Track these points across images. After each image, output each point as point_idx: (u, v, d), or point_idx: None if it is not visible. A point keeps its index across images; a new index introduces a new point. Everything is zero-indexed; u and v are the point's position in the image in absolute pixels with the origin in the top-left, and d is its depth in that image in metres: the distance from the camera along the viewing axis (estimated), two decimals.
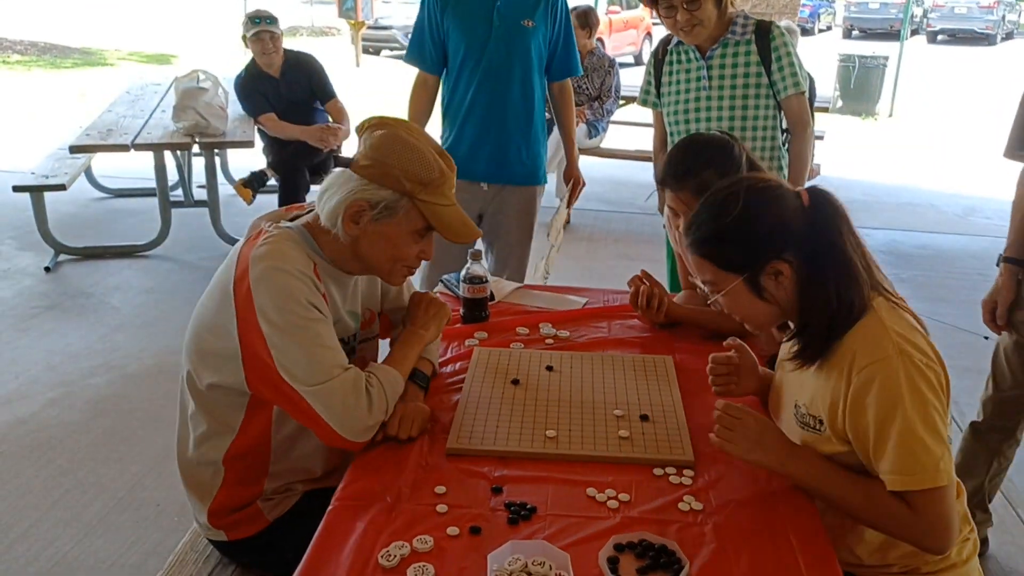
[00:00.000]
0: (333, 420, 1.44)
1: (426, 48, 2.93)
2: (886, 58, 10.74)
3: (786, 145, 2.71)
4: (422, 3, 2.94)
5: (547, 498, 1.37)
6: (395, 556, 1.22)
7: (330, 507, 1.34)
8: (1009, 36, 23.21)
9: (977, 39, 21.53)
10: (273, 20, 4.70)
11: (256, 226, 1.57)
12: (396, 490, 1.38)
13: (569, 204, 3.24)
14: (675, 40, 2.67)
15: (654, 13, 2.59)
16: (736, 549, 1.26)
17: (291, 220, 1.60)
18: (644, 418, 1.62)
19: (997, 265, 2.24)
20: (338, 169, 1.53)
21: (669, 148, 2.77)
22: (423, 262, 1.64)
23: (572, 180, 3.21)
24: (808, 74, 2.78)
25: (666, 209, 2.04)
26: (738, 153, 1.96)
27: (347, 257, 1.56)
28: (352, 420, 1.45)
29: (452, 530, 1.28)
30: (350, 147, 5.17)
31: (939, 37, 22.11)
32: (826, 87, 9.86)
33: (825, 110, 6.94)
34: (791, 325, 1.44)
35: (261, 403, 1.53)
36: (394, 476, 1.42)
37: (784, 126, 2.68)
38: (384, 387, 1.52)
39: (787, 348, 1.50)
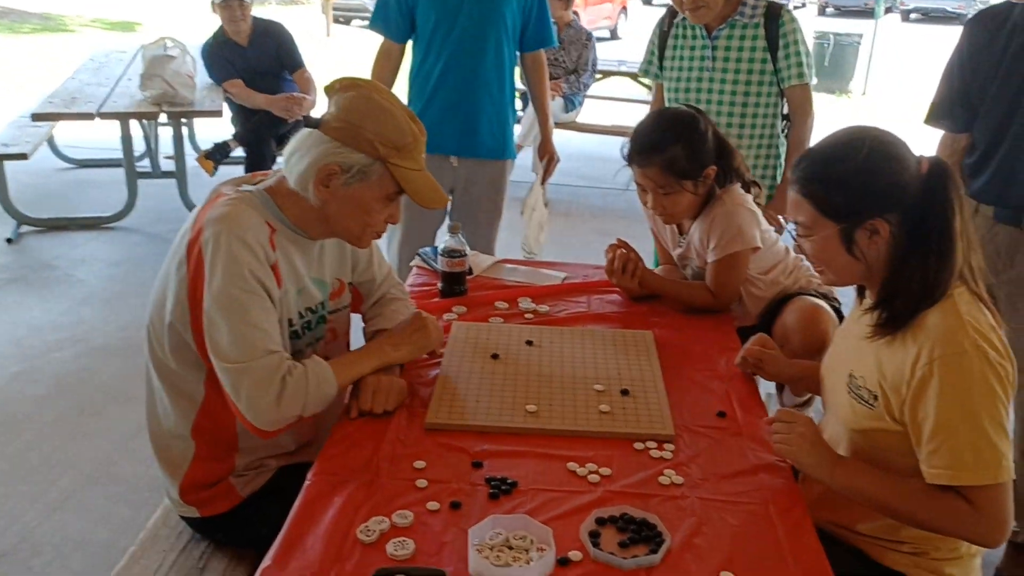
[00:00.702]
0: (240, 402, 1.40)
1: (391, 15, 2.85)
2: (860, 36, 10.78)
3: (785, 132, 2.68)
4: None
5: (528, 473, 1.36)
6: (374, 531, 1.20)
7: (307, 482, 1.32)
8: None
9: (949, 18, 21.68)
10: None
11: (216, 191, 1.53)
12: (375, 465, 1.37)
13: (543, 180, 3.20)
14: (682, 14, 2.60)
15: None
16: (716, 522, 1.26)
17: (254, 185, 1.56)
18: (625, 393, 1.61)
19: None
20: (307, 130, 1.49)
21: None
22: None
23: (547, 156, 3.17)
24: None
25: (636, 186, 2.02)
26: (704, 128, 1.95)
27: (313, 220, 1.53)
28: (257, 407, 1.40)
29: (432, 505, 1.27)
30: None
31: (912, 16, 22.26)
32: None
33: None
34: (866, 292, 1.42)
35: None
36: (372, 451, 1.40)
37: (785, 112, 2.65)
38: (308, 383, 1.44)
39: (857, 314, 1.48)
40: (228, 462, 1.58)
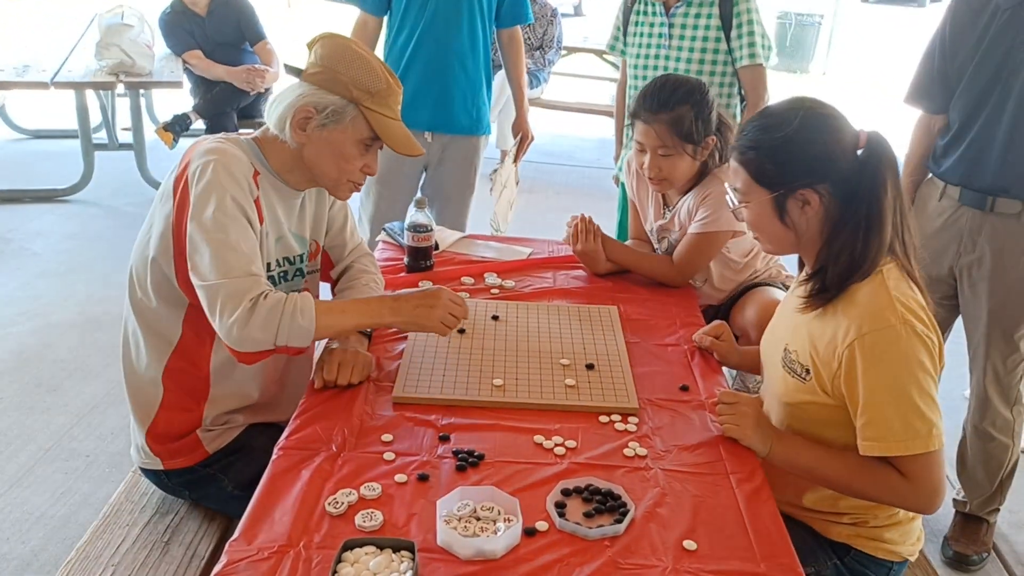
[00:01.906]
0: (214, 319, 1.42)
1: None
2: (821, 16, 10.88)
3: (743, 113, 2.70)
4: None
5: (495, 445, 1.38)
6: (342, 503, 1.21)
7: (274, 455, 1.32)
8: None
9: (907, 0, 21.96)
10: None
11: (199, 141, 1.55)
12: (342, 438, 1.37)
13: (516, 159, 3.20)
14: None
15: None
16: (679, 492, 1.29)
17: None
18: (590, 367, 1.63)
19: None
20: (290, 80, 1.54)
21: (628, 100, 2.75)
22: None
23: (520, 133, 3.16)
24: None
25: (632, 145, 2.03)
26: (712, 97, 1.97)
27: (293, 167, 1.57)
28: (229, 325, 1.39)
29: (400, 477, 1.28)
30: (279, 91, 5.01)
31: None
32: None
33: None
34: (802, 262, 1.46)
35: (198, 315, 1.48)
36: (340, 424, 1.41)
37: (743, 93, 2.67)
38: (284, 310, 1.42)
39: (794, 287, 1.51)
40: (196, 413, 1.60)
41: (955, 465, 2.38)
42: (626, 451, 1.38)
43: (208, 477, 1.60)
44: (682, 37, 2.56)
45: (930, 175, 2.26)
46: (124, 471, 1.69)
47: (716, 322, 1.79)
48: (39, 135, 5.77)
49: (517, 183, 3.33)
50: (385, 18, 2.89)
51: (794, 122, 1.34)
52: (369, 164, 1.58)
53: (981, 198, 2.10)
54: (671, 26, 2.55)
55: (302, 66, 1.53)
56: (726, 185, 1.49)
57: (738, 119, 2.68)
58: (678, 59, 2.58)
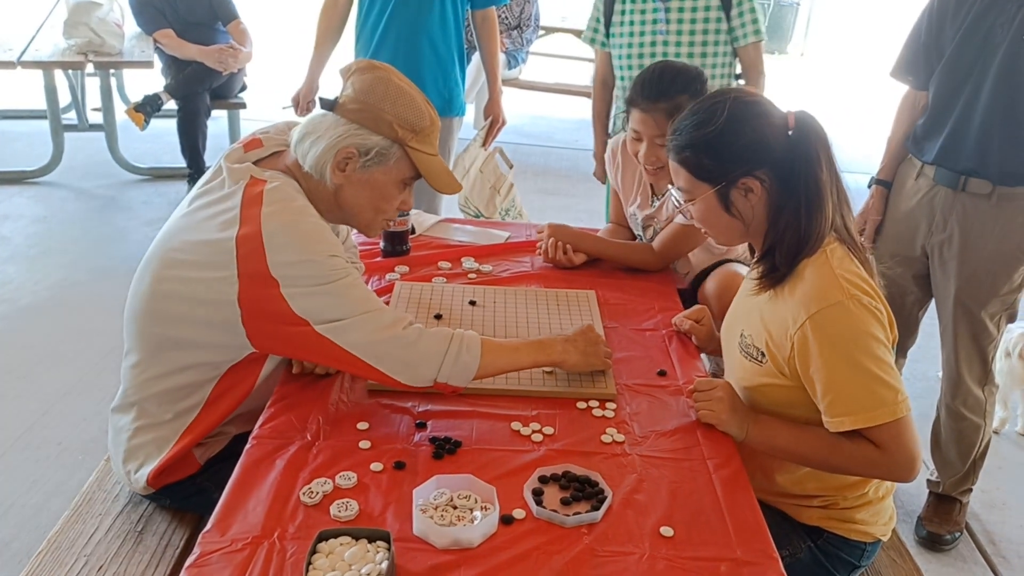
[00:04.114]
0: (369, 357, 1.34)
1: None
2: None
3: None
4: None
5: (472, 432, 1.37)
6: (317, 493, 1.19)
7: (248, 445, 1.30)
8: None
9: None
10: None
11: (237, 172, 1.43)
12: (316, 427, 1.35)
13: (486, 142, 3.16)
14: None
15: None
16: (656, 478, 1.29)
17: (256, 163, 1.48)
18: None
19: (869, 187, 2.35)
20: (320, 112, 1.44)
21: (615, 90, 2.72)
22: None
23: (492, 117, 3.12)
24: None
25: (629, 132, 2.00)
26: (710, 86, 1.95)
27: (327, 206, 1.48)
28: (401, 349, 1.35)
29: (376, 466, 1.26)
30: (253, 71, 4.93)
31: None
32: None
33: None
34: (754, 248, 1.46)
35: (239, 372, 1.44)
36: (314, 412, 1.39)
37: (737, 72, 2.64)
38: (452, 341, 1.38)
39: (747, 272, 1.52)
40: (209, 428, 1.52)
41: (928, 445, 2.40)
42: (604, 437, 1.37)
43: (195, 488, 1.54)
44: (680, 20, 2.51)
45: (908, 155, 2.26)
46: (97, 458, 1.66)
47: (697, 306, 1.78)
48: (6, 115, 5.64)
49: (511, 167, 3.29)
50: None
51: (723, 113, 1.35)
52: (406, 200, 1.52)
53: (955, 177, 2.12)
54: (668, 10, 2.51)
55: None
56: (670, 187, 1.49)
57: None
58: (678, 43, 2.53)
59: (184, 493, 1.56)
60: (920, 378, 3.21)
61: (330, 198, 1.46)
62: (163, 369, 1.47)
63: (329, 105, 1.43)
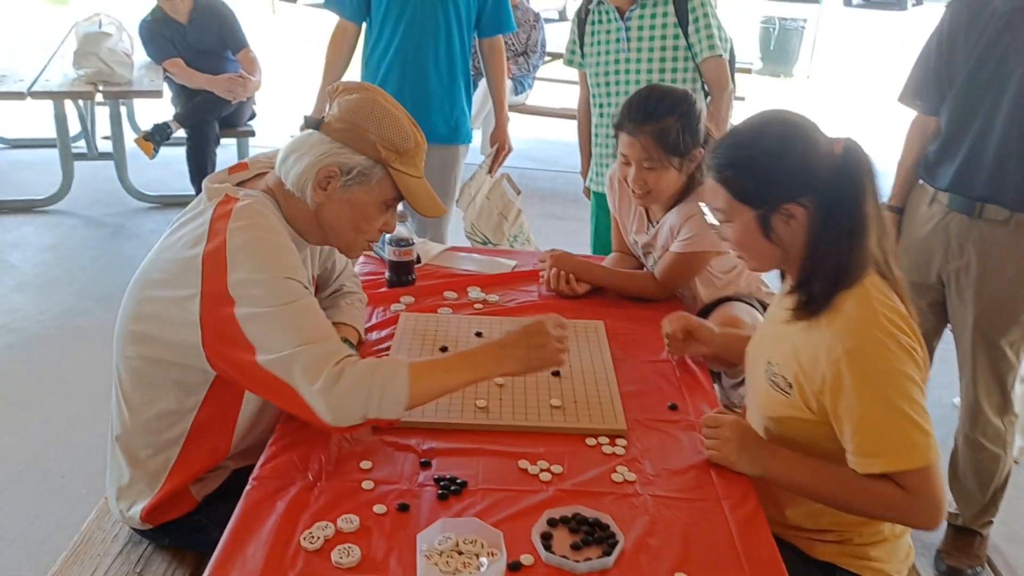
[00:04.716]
0: (301, 389, 1.26)
1: None
2: (805, 20, 10.91)
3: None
4: None
5: (478, 471, 1.33)
6: (318, 538, 1.15)
7: (248, 486, 1.27)
8: (919, 2, 23.90)
9: (890, 4, 22.08)
10: None
11: (214, 192, 1.42)
12: (318, 466, 1.32)
13: (492, 169, 3.14)
14: None
15: None
16: (670, 520, 1.24)
17: (239, 184, 1.47)
18: (555, 373, 1.61)
19: None
20: (306, 131, 1.42)
21: (592, 109, 2.73)
22: None
23: (497, 144, 3.10)
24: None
25: (618, 157, 1.98)
26: (699, 108, 1.93)
27: (308, 226, 1.46)
28: (315, 393, 1.27)
29: (379, 508, 1.23)
30: (263, 99, 4.95)
31: (854, 2, 22.61)
32: (746, 48, 9.96)
33: (748, 71, 6.99)
34: (785, 275, 1.43)
35: (222, 390, 1.41)
36: (316, 451, 1.35)
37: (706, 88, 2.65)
38: (374, 378, 1.30)
39: (779, 299, 1.48)
40: (208, 464, 1.49)
41: (947, 476, 2.35)
42: (614, 476, 1.33)
43: (193, 525, 1.51)
44: (640, 39, 2.54)
45: (920, 181, 2.23)
46: (100, 492, 1.62)
47: (674, 314, 1.72)
48: (18, 144, 5.68)
49: (519, 193, 3.27)
50: (365, 25, 2.85)
51: (771, 136, 1.32)
52: (388, 222, 1.49)
53: (970, 204, 2.08)
54: (628, 28, 2.54)
55: (306, 110, 1.45)
56: (701, 205, 1.45)
57: (704, 112, 2.65)
58: (639, 60, 2.55)
59: (182, 530, 1.52)
60: (935, 404, 3.15)
61: (311, 218, 1.44)
62: (141, 397, 1.45)
63: (315, 124, 1.42)
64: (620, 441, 1.43)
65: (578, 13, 2.71)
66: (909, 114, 2.28)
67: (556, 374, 1.62)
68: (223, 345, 1.31)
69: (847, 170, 1.30)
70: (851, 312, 1.28)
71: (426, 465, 1.34)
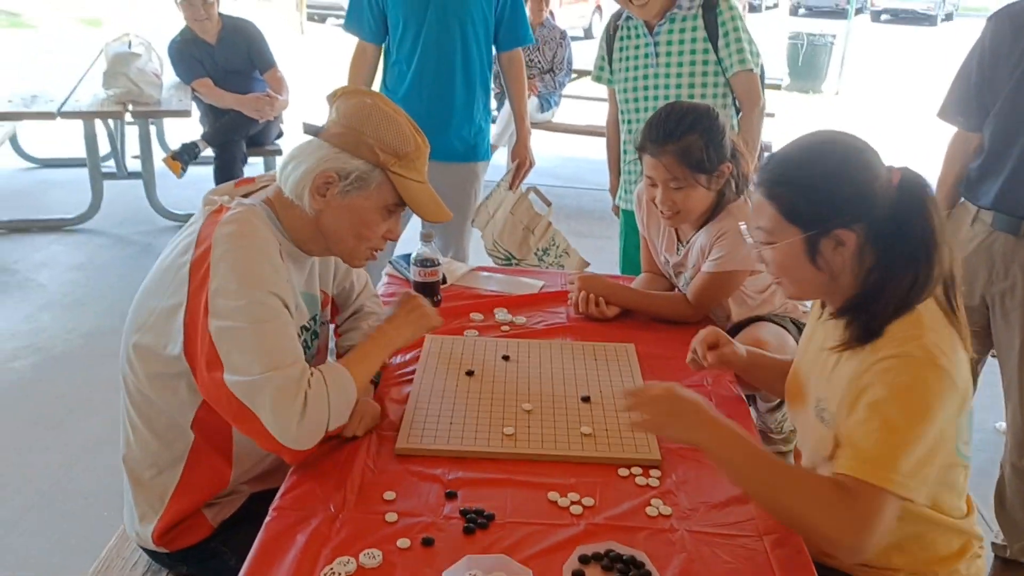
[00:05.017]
0: (264, 417, 1.25)
1: (364, 16, 2.79)
2: (833, 36, 10.82)
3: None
4: None
5: (506, 503, 1.27)
6: (340, 574, 1.11)
7: (268, 517, 1.22)
8: (949, 17, 23.69)
9: (919, 19, 21.91)
10: None
11: (211, 202, 1.42)
12: (341, 497, 1.27)
13: (512, 185, 3.10)
14: (625, 14, 2.56)
15: None
16: (708, 558, 1.18)
17: (244, 196, 1.45)
18: (585, 399, 1.57)
19: None
20: (306, 138, 1.40)
21: (621, 125, 2.69)
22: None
23: (518, 160, 3.07)
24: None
25: (643, 179, 1.94)
26: (722, 122, 1.88)
27: (309, 235, 1.43)
28: (285, 425, 1.26)
29: (403, 542, 1.17)
30: (290, 118, 4.97)
31: (882, 17, 22.46)
32: (775, 64, 9.88)
33: (777, 88, 6.93)
34: (825, 304, 1.36)
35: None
36: (338, 481, 1.31)
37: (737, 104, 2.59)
38: (328, 389, 1.31)
39: (815, 326, 1.41)
40: (207, 494, 1.46)
41: (992, 506, 2.25)
42: (648, 510, 1.27)
43: (210, 551, 1.47)
44: (669, 53, 2.49)
45: (961, 199, 2.16)
46: (120, 515, 1.59)
47: (707, 329, 1.63)
48: (49, 164, 5.75)
49: (549, 204, 3.22)
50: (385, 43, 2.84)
51: (831, 156, 1.25)
52: (392, 229, 1.46)
53: (1015, 223, 2.01)
54: (657, 43, 2.49)
55: (319, 122, 1.41)
56: (741, 225, 1.39)
57: (735, 128, 2.59)
58: (667, 75, 2.51)
59: (200, 557, 1.48)
60: (978, 429, 3.04)
61: (311, 226, 1.41)
62: (140, 415, 1.42)
63: (313, 131, 1.39)
64: (654, 472, 1.37)
65: (606, 29, 2.68)
66: (943, 130, 2.21)
67: (586, 400, 1.57)
68: (200, 357, 1.29)
69: (905, 199, 1.23)
70: (898, 333, 1.21)
71: (452, 496, 1.29)
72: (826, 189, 1.24)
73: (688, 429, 1.23)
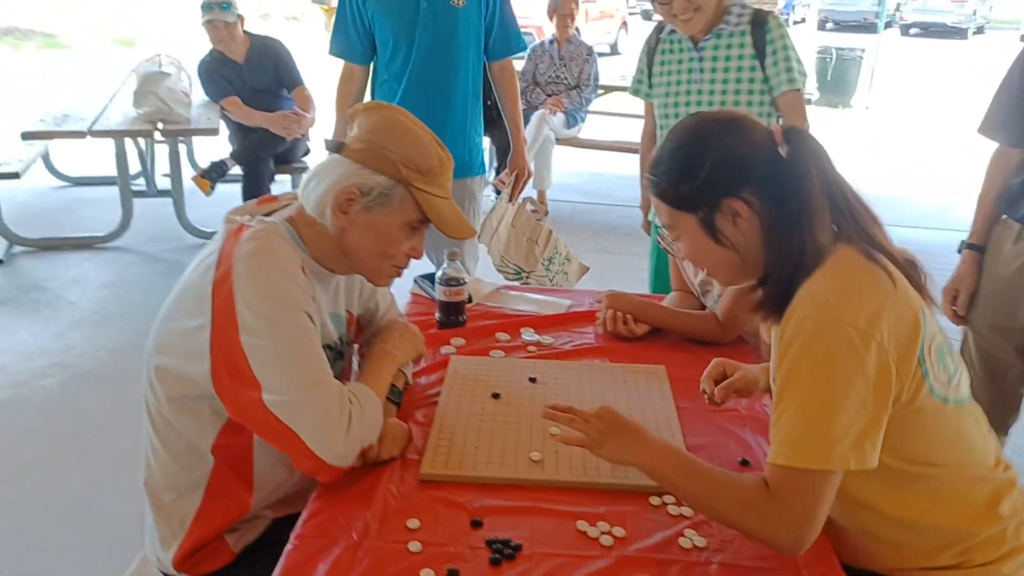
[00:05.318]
0: (305, 435, 1.24)
1: (351, 38, 2.76)
2: (863, 50, 10.71)
3: None
4: None
5: (533, 533, 1.23)
6: None
7: (289, 545, 1.19)
8: (980, 30, 23.42)
9: (949, 32, 21.68)
10: (227, 6, 4.45)
11: (231, 221, 1.40)
12: (363, 524, 1.23)
13: (512, 197, 3.05)
14: (668, 28, 2.50)
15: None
16: None
17: (266, 215, 1.44)
18: None
19: (959, 252, 2.16)
20: (328, 155, 1.39)
21: (659, 141, 2.64)
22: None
23: (516, 170, 3.01)
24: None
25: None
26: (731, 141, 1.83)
27: (332, 254, 1.42)
28: (327, 438, 1.26)
29: (426, 573, 1.13)
30: (317, 136, 4.99)
31: (912, 30, 22.26)
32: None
33: (807, 102, 6.85)
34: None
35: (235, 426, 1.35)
36: (361, 507, 1.27)
37: (781, 123, 2.53)
38: (363, 407, 1.32)
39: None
40: (232, 519, 1.43)
41: None
42: (682, 541, 1.22)
43: None
44: (714, 69, 2.43)
45: (1003, 216, 2.09)
46: (143, 537, 1.56)
47: (712, 364, 1.57)
48: (81, 182, 5.83)
49: (547, 213, 3.19)
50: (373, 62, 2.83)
51: (699, 134, 1.24)
52: (415, 247, 1.44)
53: None
54: (701, 59, 2.43)
55: (341, 139, 1.39)
56: (661, 228, 1.36)
57: None
58: (712, 92, 2.45)
59: None
60: (1017, 453, 2.95)
61: (334, 244, 1.39)
62: (161, 438, 1.40)
63: (335, 147, 1.37)
64: None
65: (647, 41, 2.61)
66: (976, 144, 2.15)
67: None
68: (231, 378, 1.26)
69: (791, 157, 1.19)
70: (802, 296, 1.15)
71: (477, 525, 1.24)
72: (700, 166, 1.21)
73: (625, 448, 1.23)
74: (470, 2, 2.68)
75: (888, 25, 19.34)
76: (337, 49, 2.82)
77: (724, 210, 1.21)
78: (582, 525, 1.25)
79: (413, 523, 1.24)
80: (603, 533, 1.23)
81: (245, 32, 4.59)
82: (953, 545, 1.23)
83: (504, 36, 2.82)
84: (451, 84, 2.73)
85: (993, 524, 1.23)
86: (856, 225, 1.20)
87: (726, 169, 1.20)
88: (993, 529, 1.23)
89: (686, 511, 1.29)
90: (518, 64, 5.89)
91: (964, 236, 2.21)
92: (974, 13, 22.47)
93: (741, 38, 2.40)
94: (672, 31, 2.49)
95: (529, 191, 3.23)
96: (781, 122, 2.49)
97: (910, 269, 1.22)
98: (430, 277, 2.14)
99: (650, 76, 2.60)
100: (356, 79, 2.84)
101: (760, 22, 2.38)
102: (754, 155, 1.20)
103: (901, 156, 8.12)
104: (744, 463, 1.44)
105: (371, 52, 2.79)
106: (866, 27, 19.18)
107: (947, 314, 2.18)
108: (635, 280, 2.93)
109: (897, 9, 22.95)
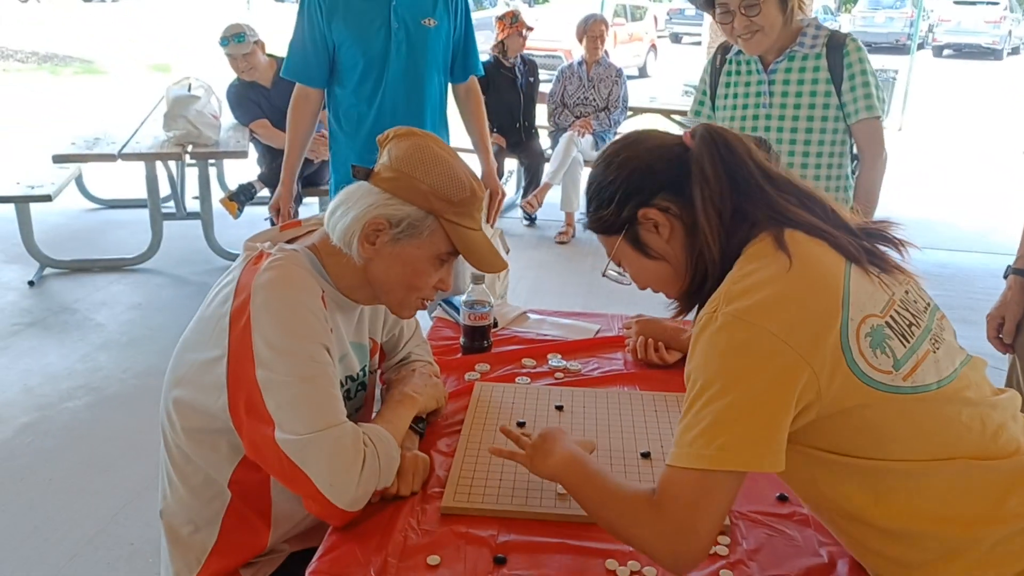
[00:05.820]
0: (317, 477, 1.19)
1: (310, 62, 2.74)
2: (896, 72, 10.58)
3: (855, 172, 2.42)
4: (300, 11, 2.71)
5: (559, 571, 1.17)
6: None
7: None
8: (1015, 51, 23.09)
9: (983, 54, 21.41)
10: (241, 37, 4.47)
11: (251, 248, 1.37)
12: (382, 560, 1.18)
13: (491, 219, 2.97)
14: (735, 48, 2.37)
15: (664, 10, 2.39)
16: None
17: (288, 241, 1.40)
18: (645, 455, 1.41)
19: (1004, 277, 2.07)
20: (355, 182, 1.35)
21: None
22: None
23: (490, 190, 2.92)
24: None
25: None
26: (816, 163, 1.76)
27: (356, 284, 1.37)
28: (340, 482, 1.21)
29: None
30: None
31: (945, 52, 22.00)
32: None
33: None
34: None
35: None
36: (380, 542, 1.22)
37: (855, 152, 2.40)
38: (378, 450, 1.27)
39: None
40: (249, 554, 1.39)
41: None
42: None
43: None
44: (785, 93, 2.31)
45: None
46: (159, 570, 1.53)
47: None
48: (113, 205, 5.89)
49: (508, 251, 3.07)
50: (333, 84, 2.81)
51: (602, 165, 1.22)
52: (444, 279, 1.39)
53: None
54: (772, 82, 2.32)
55: (369, 166, 1.35)
56: (610, 263, 1.30)
57: (851, 180, 2.40)
58: (782, 117, 2.32)
59: None
60: None
61: (359, 275, 1.35)
62: (178, 471, 1.37)
63: (364, 174, 1.33)
64: (722, 539, 1.25)
65: (711, 61, 2.49)
66: (1012, 163, 2.06)
67: (646, 456, 1.46)
68: (247, 413, 1.22)
69: (698, 158, 1.15)
70: (716, 294, 1.09)
71: (501, 562, 1.19)
72: (610, 185, 1.20)
73: (543, 462, 1.23)
74: (440, 21, 2.67)
75: (921, 46, 19.16)
76: (293, 73, 2.80)
77: (643, 222, 1.19)
78: (611, 564, 1.18)
79: (433, 559, 1.19)
80: (633, 573, 1.17)
81: (269, 55, 4.62)
82: (957, 557, 1.07)
83: (467, 57, 2.83)
84: (422, 106, 2.72)
85: (1001, 525, 1.05)
86: (770, 210, 1.14)
87: (632, 182, 1.19)
88: (1002, 531, 1.05)
89: (721, 549, 1.22)
90: (545, 87, 5.90)
91: (1006, 260, 2.12)
92: (1009, 34, 22.16)
93: (816, 61, 2.28)
94: (739, 51, 2.36)
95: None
96: (855, 151, 2.39)
97: (870, 245, 1.17)
98: (452, 302, 2.09)
99: (713, 98, 2.47)
100: (312, 101, 2.82)
101: (837, 45, 2.26)
102: (656, 162, 1.19)
103: (936, 178, 7.97)
104: (782, 498, 1.36)
105: (328, 75, 2.77)
106: (898, 49, 18.99)
107: (992, 342, 2.09)
108: (662, 301, 2.86)
109: (930, 31, 22.70)
